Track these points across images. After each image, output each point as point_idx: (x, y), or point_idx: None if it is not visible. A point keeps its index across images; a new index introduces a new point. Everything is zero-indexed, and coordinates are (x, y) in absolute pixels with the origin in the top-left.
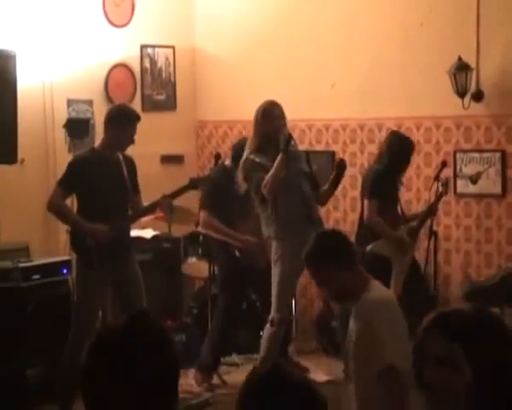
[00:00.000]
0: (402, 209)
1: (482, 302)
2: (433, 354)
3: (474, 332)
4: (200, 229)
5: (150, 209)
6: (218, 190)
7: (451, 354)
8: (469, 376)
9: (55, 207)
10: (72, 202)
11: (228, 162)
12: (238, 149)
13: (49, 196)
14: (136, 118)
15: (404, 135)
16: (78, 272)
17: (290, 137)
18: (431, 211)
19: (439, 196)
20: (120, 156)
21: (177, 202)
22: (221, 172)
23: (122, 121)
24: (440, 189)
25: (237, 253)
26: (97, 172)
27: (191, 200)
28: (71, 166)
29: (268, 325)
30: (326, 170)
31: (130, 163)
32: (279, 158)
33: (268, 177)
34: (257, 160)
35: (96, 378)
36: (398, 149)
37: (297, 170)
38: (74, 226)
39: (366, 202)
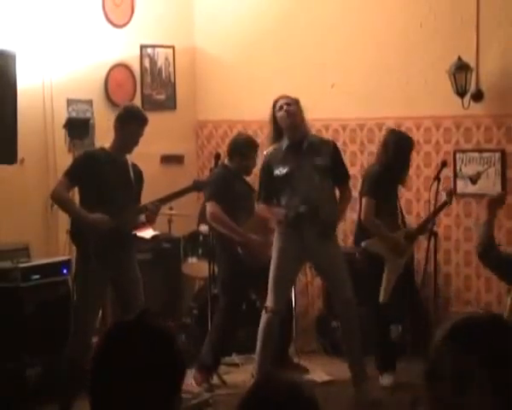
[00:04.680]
0: (401, 211)
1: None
2: (449, 371)
3: (489, 344)
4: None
5: (140, 211)
6: (222, 184)
7: (469, 369)
8: (488, 391)
9: (58, 196)
10: (73, 197)
11: (227, 161)
12: (236, 145)
13: (54, 186)
14: (141, 118)
15: (403, 133)
16: (78, 272)
17: (300, 215)
18: (432, 218)
19: (442, 205)
20: (129, 162)
21: (177, 203)
22: (223, 170)
23: (126, 120)
24: (444, 197)
25: (240, 250)
26: (104, 168)
27: (192, 202)
28: (78, 158)
29: (263, 312)
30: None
31: (139, 174)
32: (275, 214)
33: (259, 209)
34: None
35: (102, 377)
36: (395, 149)
37: (310, 165)
38: (75, 216)
39: (363, 201)
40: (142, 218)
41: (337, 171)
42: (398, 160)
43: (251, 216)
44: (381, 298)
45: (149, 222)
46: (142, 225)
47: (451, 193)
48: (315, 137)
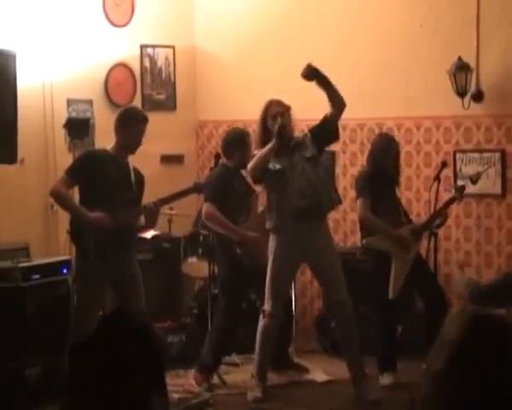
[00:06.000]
0: (405, 211)
1: (489, 304)
2: (464, 372)
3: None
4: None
5: (139, 211)
6: (221, 184)
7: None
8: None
9: (57, 193)
10: (73, 196)
11: (225, 161)
12: (230, 142)
13: (55, 183)
14: (142, 119)
15: (389, 137)
16: (78, 272)
17: (283, 127)
18: (439, 214)
19: (450, 201)
20: (131, 166)
21: (177, 203)
22: (222, 169)
23: (127, 122)
24: (453, 193)
25: (238, 250)
26: (104, 168)
27: (192, 202)
28: (80, 157)
29: (261, 316)
30: (326, 169)
31: (140, 178)
32: (269, 145)
33: (251, 161)
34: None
35: (75, 379)
36: (379, 150)
37: (301, 159)
38: (74, 214)
39: (358, 201)
40: (143, 221)
41: (321, 131)
42: (384, 162)
43: (249, 215)
44: (391, 295)
45: (149, 225)
46: (143, 229)
47: (462, 189)
48: (297, 136)
